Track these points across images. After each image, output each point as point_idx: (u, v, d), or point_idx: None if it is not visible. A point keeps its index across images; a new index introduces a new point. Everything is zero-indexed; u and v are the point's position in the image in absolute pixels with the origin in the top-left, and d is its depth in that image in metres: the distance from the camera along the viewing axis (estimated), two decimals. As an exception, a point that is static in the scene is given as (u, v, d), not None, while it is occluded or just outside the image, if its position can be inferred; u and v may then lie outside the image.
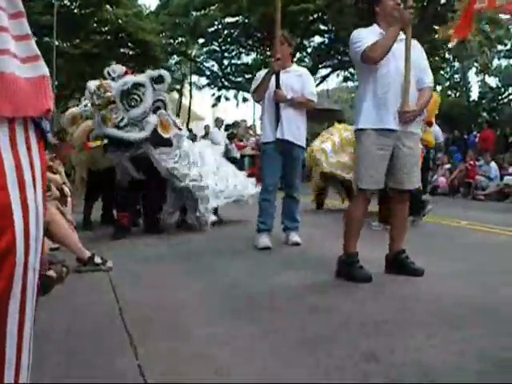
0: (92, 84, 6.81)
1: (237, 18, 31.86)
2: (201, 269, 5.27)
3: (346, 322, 3.45)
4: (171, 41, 33.89)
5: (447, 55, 30.40)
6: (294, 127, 6.32)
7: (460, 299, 3.93)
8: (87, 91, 6.95)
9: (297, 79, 6.40)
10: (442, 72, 34.29)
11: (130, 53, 27.10)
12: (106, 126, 6.53)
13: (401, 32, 4.60)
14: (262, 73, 6.50)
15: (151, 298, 4.13)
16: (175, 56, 37.15)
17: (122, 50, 26.50)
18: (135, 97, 6.60)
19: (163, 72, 6.99)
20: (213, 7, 31.54)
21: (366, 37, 4.60)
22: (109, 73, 6.93)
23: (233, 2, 27.92)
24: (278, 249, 6.28)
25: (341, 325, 3.39)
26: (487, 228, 7.91)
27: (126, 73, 6.97)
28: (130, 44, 27.00)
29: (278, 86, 6.21)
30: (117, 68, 7.03)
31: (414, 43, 4.73)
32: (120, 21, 25.53)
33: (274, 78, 6.23)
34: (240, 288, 4.43)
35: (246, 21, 30.69)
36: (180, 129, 7.38)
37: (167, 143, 6.95)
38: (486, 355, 2.81)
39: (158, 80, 6.80)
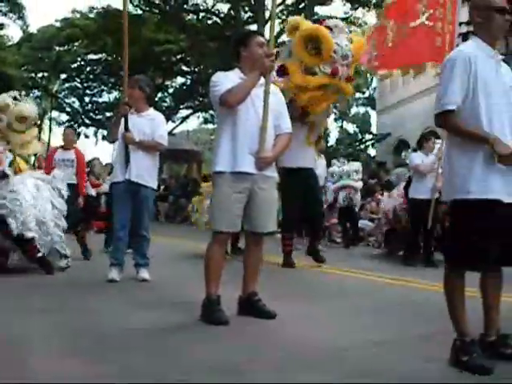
0: None
1: (100, 56, 31.56)
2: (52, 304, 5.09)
3: (196, 364, 3.42)
4: (33, 75, 33.01)
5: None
6: (142, 169, 6.46)
7: (310, 342, 3.96)
8: None
9: (148, 123, 6.57)
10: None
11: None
12: None
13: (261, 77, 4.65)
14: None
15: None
16: (36, 91, 36.11)
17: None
18: None
19: None
20: (76, 43, 31.09)
21: (225, 80, 4.63)
22: None
23: (97, 38, 27.69)
24: (133, 287, 6.25)
25: (191, 366, 3.35)
26: (344, 271, 8.12)
27: None
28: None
29: (126, 128, 6.33)
30: None
31: (273, 89, 4.83)
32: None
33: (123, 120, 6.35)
34: (92, 327, 4.30)
35: (109, 58, 30.46)
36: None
37: None
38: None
39: None
